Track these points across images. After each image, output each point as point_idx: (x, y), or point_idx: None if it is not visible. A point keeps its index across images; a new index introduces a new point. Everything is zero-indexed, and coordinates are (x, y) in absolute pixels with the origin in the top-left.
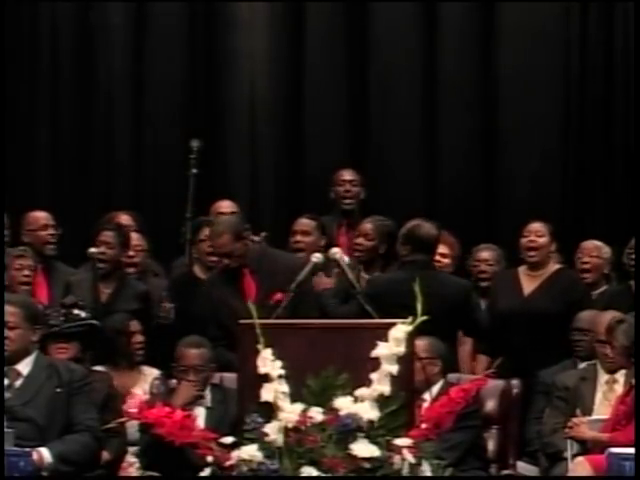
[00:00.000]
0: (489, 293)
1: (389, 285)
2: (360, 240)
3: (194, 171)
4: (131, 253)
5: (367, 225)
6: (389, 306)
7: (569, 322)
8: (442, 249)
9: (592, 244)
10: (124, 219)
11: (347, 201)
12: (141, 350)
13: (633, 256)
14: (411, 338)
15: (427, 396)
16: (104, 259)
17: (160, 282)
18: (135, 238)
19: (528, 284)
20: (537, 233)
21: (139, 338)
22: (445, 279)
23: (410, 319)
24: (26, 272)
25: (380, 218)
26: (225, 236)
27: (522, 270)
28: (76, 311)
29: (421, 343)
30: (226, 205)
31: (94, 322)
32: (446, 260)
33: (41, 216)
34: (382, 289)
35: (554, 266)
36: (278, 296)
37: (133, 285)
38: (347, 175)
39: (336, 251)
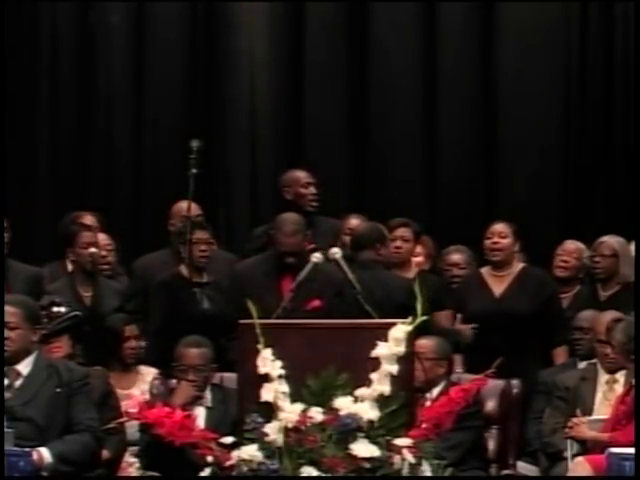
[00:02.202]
0: (454, 296)
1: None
2: None
3: (194, 171)
4: (104, 253)
5: (357, 221)
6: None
7: (542, 320)
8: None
9: (575, 245)
10: (89, 219)
11: (314, 203)
12: (135, 355)
13: (596, 259)
14: (411, 338)
15: (428, 396)
16: (93, 260)
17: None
18: (103, 238)
19: (496, 285)
20: (500, 234)
21: (133, 343)
22: (386, 277)
23: (410, 319)
24: None
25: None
26: (298, 235)
27: (486, 271)
28: (55, 309)
29: (429, 343)
30: (191, 207)
31: (77, 313)
32: (419, 259)
33: None
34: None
35: (519, 265)
36: (315, 302)
37: (109, 284)
38: (307, 177)
39: (336, 251)
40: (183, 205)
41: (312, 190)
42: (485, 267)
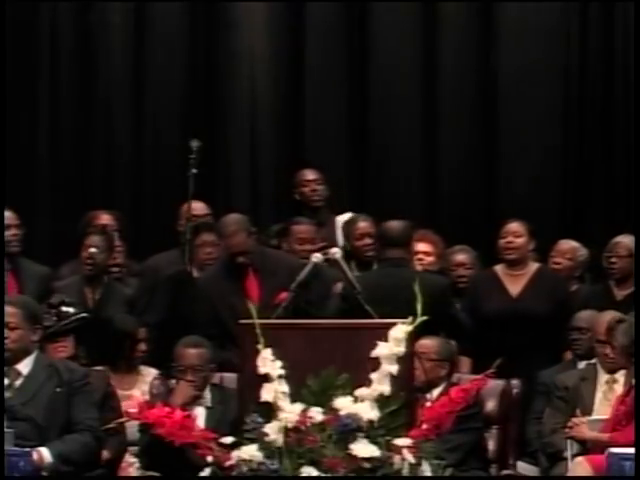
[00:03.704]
0: (467, 296)
1: (364, 283)
2: (368, 240)
3: (194, 171)
4: (114, 255)
5: (366, 224)
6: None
7: (557, 322)
8: (425, 247)
9: (568, 245)
10: (105, 219)
11: (316, 199)
12: (142, 357)
13: (612, 259)
14: (411, 338)
15: (428, 396)
16: (93, 263)
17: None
18: (115, 239)
19: (512, 285)
20: (515, 233)
21: (143, 347)
22: (418, 275)
23: (410, 319)
24: None
25: (362, 215)
26: (241, 234)
27: (501, 270)
28: (64, 308)
29: (432, 344)
30: (199, 207)
31: (85, 315)
32: (429, 258)
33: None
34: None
35: (534, 265)
36: (283, 296)
37: (119, 290)
38: (310, 175)
39: (336, 251)
40: (193, 205)
41: (312, 187)
42: (499, 265)
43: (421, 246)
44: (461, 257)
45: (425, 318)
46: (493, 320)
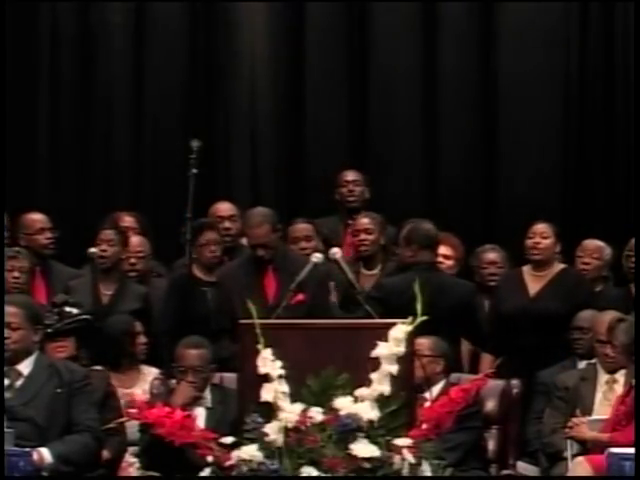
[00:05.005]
0: (494, 294)
1: (399, 288)
2: (363, 236)
3: (194, 171)
4: (132, 260)
5: (364, 220)
6: (399, 309)
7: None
8: (445, 250)
9: (594, 244)
10: (127, 220)
11: (351, 199)
12: (144, 351)
13: (633, 258)
14: (411, 338)
15: (427, 396)
16: (105, 256)
17: (162, 282)
18: (137, 242)
19: (533, 285)
20: (542, 234)
21: (142, 339)
22: (450, 280)
23: (410, 319)
24: (16, 274)
25: (369, 213)
26: (265, 226)
27: (526, 270)
28: (68, 309)
29: (425, 341)
30: (225, 208)
31: (88, 317)
32: (449, 262)
33: (37, 219)
34: (393, 292)
35: (558, 266)
36: (300, 297)
37: (133, 287)
38: (350, 176)
39: (335, 251)
40: (220, 206)
41: (350, 187)
42: (526, 266)
43: (441, 249)
44: (492, 255)
45: (424, 318)
46: (509, 319)
